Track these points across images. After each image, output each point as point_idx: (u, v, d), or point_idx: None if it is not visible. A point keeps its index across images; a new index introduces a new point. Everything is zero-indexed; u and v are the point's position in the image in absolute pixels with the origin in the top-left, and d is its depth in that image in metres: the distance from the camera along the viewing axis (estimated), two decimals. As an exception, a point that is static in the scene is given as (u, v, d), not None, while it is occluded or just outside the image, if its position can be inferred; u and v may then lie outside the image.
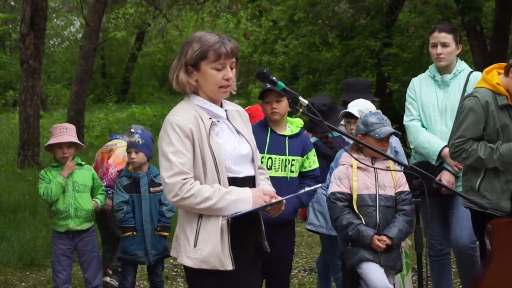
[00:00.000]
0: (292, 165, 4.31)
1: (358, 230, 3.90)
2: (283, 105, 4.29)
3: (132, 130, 5.55)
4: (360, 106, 4.41)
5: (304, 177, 4.41)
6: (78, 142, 5.14)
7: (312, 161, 4.44)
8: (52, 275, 5.24)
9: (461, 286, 4.80)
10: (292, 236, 4.50)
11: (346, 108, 4.63)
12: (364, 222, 3.93)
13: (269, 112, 4.32)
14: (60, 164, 5.12)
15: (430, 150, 4.51)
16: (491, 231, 3.86)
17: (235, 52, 3.01)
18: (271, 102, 4.29)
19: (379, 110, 4.29)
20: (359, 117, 4.20)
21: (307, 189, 3.27)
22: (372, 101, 4.74)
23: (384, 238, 3.89)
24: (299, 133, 4.42)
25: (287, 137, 4.33)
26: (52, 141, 5.09)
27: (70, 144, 5.09)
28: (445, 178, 4.46)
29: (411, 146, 4.70)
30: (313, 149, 4.50)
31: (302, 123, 4.55)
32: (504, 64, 4.05)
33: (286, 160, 4.29)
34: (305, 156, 4.40)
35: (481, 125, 3.90)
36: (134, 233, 5.00)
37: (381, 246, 3.87)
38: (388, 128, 3.99)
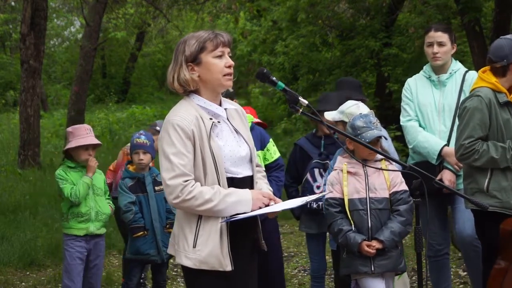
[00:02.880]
0: None
1: (346, 237, 3.84)
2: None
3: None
4: (349, 108, 4.31)
5: (270, 169, 4.43)
6: (100, 143, 5.10)
7: (273, 152, 4.47)
8: (64, 281, 4.97)
9: (461, 286, 4.80)
10: (275, 227, 4.48)
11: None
12: (353, 228, 3.86)
13: None
14: (78, 165, 4.98)
15: (430, 149, 4.50)
16: None
17: (230, 42, 3.07)
18: None
19: (370, 111, 4.23)
20: (347, 120, 4.13)
21: (313, 196, 3.23)
22: (363, 100, 4.64)
23: (374, 243, 3.81)
24: (251, 127, 4.43)
25: None
26: (81, 142, 4.91)
27: (95, 146, 5.02)
28: (446, 177, 4.45)
29: (410, 147, 4.68)
30: (271, 140, 4.52)
31: (252, 117, 4.56)
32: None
33: None
34: (265, 149, 4.43)
35: (487, 123, 3.89)
36: (145, 232, 4.99)
37: (371, 252, 3.79)
38: (375, 131, 3.90)
